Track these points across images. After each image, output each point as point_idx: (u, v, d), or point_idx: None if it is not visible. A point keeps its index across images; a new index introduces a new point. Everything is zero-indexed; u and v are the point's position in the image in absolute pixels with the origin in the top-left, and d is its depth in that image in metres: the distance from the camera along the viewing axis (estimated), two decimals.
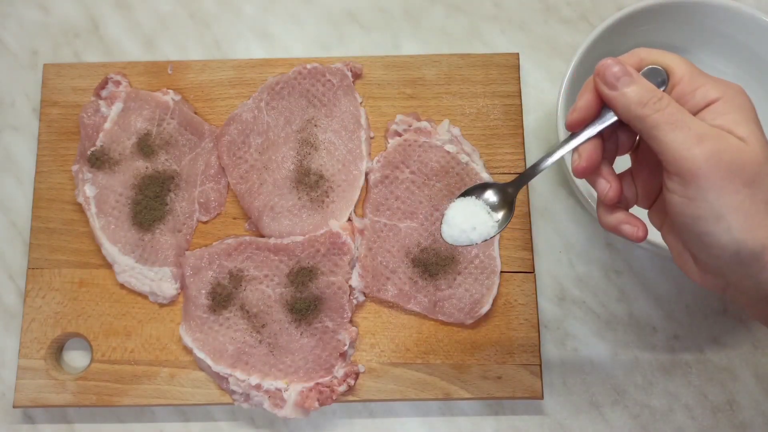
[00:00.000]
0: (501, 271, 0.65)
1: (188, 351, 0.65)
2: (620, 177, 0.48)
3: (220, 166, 0.69)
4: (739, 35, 0.65)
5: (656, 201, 0.49)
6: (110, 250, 0.66)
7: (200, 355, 0.64)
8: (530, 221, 0.68)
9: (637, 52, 0.45)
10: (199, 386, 0.64)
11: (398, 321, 0.66)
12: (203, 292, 0.65)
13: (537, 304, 0.66)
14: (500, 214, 0.51)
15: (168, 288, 0.65)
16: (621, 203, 0.48)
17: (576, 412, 0.66)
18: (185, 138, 0.69)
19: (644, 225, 0.47)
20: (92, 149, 0.67)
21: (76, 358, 0.67)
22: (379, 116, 0.70)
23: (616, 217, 0.47)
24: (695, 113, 0.43)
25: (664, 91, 0.44)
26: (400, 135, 0.69)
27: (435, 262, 0.65)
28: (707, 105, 0.42)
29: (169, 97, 0.69)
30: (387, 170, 0.68)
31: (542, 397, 0.64)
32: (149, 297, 0.66)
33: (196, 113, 0.70)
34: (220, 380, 0.64)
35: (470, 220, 0.51)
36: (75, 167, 0.68)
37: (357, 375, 0.63)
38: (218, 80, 0.71)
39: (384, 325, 0.66)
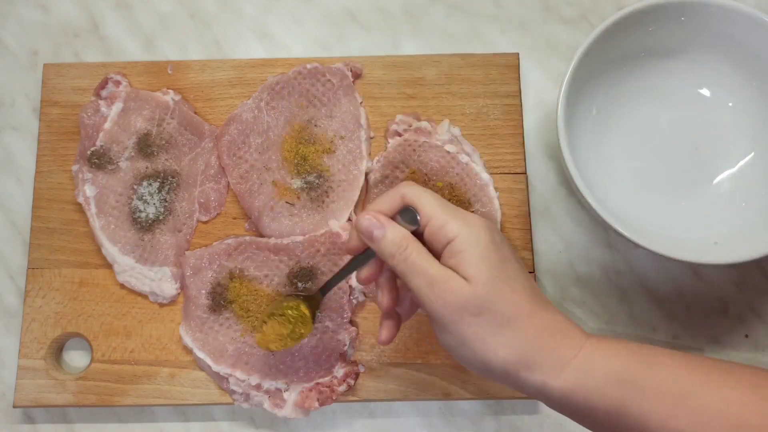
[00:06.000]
0: None
1: (188, 351, 0.65)
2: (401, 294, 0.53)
3: (220, 166, 0.69)
4: (739, 35, 0.65)
5: None
6: (110, 250, 0.66)
7: (200, 355, 0.64)
8: (530, 221, 0.68)
9: (400, 189, 0.49)
10: (199, 386, 0.64)
11: None
12: (203, 292, 0.65)
13: None
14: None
15: (168, 288, 0.65)
16: (397, 313, 0.53)
17: None
18: (185, 138, 0.69)
19: (388, 338, 0.52)
20: (92, 149, 0.67)
21: (76, 358, 0.67)
22: (379, 116, 0.70)
23: (385, 318, 0.52)
24: (441, 250, 0.47)
25: (417, 228, 0.48)
26: (400, 135, 0.69)
27: None
28: (448, 243, 0.47)
29: (169, 97, 0.69)
30: (387, 170, 0.68)
31: None
32: (149, 297, 0.66)
33: (196, 113, 0.70)
34: (220, 380, 0.64)
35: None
36: (75, 167, 0.68)
37: (357, 375, 0.63)
38: (218, 80, 0.71)
39: None
